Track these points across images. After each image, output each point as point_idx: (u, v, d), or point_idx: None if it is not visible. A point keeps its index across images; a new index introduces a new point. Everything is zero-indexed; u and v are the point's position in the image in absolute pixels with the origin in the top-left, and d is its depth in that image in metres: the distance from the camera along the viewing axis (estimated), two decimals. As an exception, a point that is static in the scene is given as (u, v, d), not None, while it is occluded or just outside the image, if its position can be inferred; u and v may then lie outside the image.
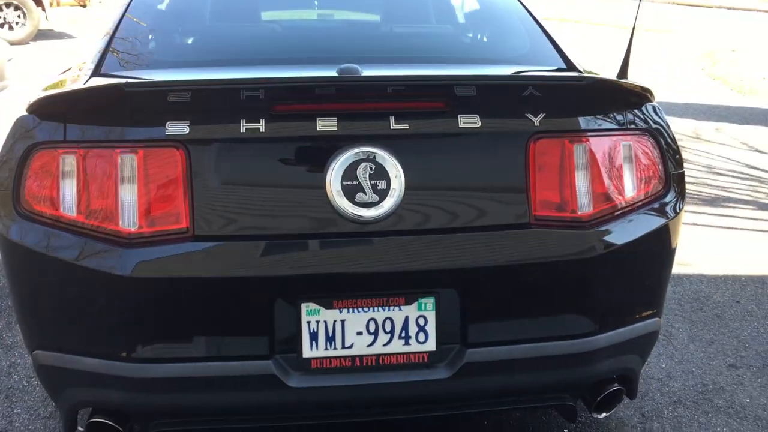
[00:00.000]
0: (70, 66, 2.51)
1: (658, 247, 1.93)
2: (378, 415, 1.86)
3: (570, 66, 2.31)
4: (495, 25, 2.60)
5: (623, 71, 2.29)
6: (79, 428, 1.95)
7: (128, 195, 1.69)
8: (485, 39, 2.54)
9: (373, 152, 1.70)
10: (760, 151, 6.43)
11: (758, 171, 5.78)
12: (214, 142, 1.71)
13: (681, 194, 1.97)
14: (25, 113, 1.77)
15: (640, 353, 1.98)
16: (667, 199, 1.94)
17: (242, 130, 1.70)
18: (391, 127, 1.73)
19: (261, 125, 1.70)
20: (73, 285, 1.72)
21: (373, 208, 1.70)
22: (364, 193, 1.70)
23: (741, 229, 4.42)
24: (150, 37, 2.34)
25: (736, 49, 15.46)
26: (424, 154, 1.75)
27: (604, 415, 2.00)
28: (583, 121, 1.83)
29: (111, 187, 1.69)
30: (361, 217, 1.70)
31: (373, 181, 1.70)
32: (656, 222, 1.90)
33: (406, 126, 1.73)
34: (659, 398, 2.58)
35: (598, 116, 1.86)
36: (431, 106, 1.76)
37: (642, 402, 2.54)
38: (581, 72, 2.20)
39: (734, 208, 4.76)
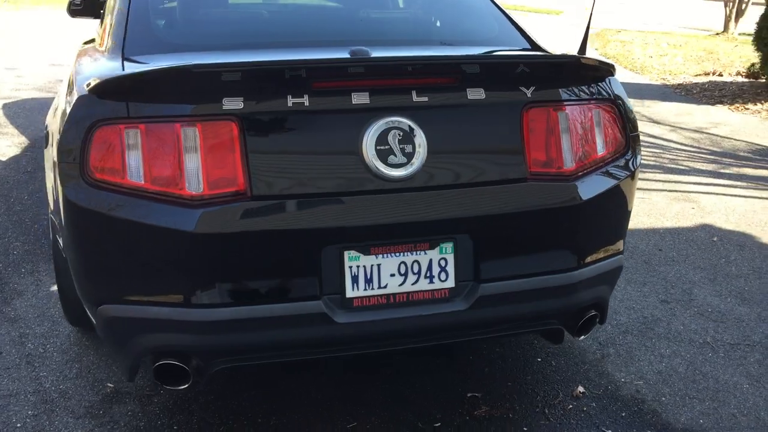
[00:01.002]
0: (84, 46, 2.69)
1: (623, 196, 2.34)
2: (408, 344, 2.18)
3: (535, 46, 2.70)
4: (462, 11, 2.95)
5: (582, 50, 2.68)
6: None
7: (191, 163, 1.94)
8: (458, 23, 2.89)
9: (400, 121, 2.01)
10: (658, 123, 7.11)
11: (659, 140, 6.43)
12: (265, 115, 1.97)
13: (637, 153, 2.39)
14: (87, 93, 1.98)
15: (610, 284, 2.39)
16: (627, 156, 2.35)
17: (289, 104, 1.97)
18: (414, 100, 2.04)
19: (305, 100, 1.98)
20: (142, 243, 1.96)
21: (402, 168, 2.02)
22: (395, 155, 2.01)
23: (653, 190, 4.98)
24: (165, 18, 2.56)
25: (621, 30, 16.49)
26: (440, 122, 2.07)
27: (582, 337, 2.39)
28: (563, 93, 2.20)
29: (175, 157, 1.94)
30: (393, 176, 2.01)
31: (401, 146, 2.01)
32: (621, 175, 2.30)
33: (425, 99, 2.05)
34: (610, 330, 3.03)
35: (575, 88, 2.23)
36: (445, 81, 2.09)
37: (596, 334, 2.98)
38: (546, 51, 2.59)
39: (645, 172, 5.33)
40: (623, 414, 2.50)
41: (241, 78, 1.94)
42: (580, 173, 2.20)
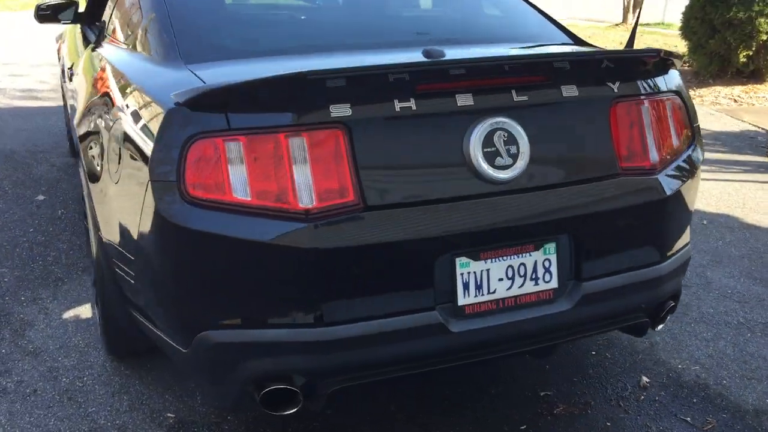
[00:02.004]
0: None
1: (694, 186, 2.37)
2: (517, 349, 2.14)
3: (578, 41, 2.71)
4: (503, 9, 2.93)
5: (630, 43, 2.70)
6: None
7: (300, 175, 1.83)
8: (503, 21, 2.86)
9: (503, 121, 1.97)
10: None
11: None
12: (372, 121, 1.88)
13: (701, 142, 2.43)
14: (179, 106, 1.83)
15: (683, 274, 2.42)
16: (695, 147, 2.38)
17: (397, 109, 1.89)
18: (514, 99, 2.00)
19: (412, 104, 1.90)
20: (250, 263, 1.83)
21: (508, 170, 1.97)
22: (501, 157, 1.96)
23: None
24: (214, 23, 2.42)
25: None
26: (538, 121, 2.03)
27: (660, 327, 2.42)
28: (643, 86, 2.20)
29: (282, 169, 1.82)
30: (500, 178, 1.96)
31: (506, 147, 1.97)
32: (692, 166, 2.34)
33: (525, 97, 2.01)
34: (649, 318, 3.08)
35: (651, 81, 2.24)
36: (541, 79, 2.05)
37: (637, 323, 3.02)
38: (593, 45, 2.59)
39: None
40: (694, 400, 2.55)
41: (348, 83, 1.84)
42: (662, 167, 2.22)
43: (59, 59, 4.88)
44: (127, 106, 2.12)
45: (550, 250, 2.06)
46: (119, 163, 2.08)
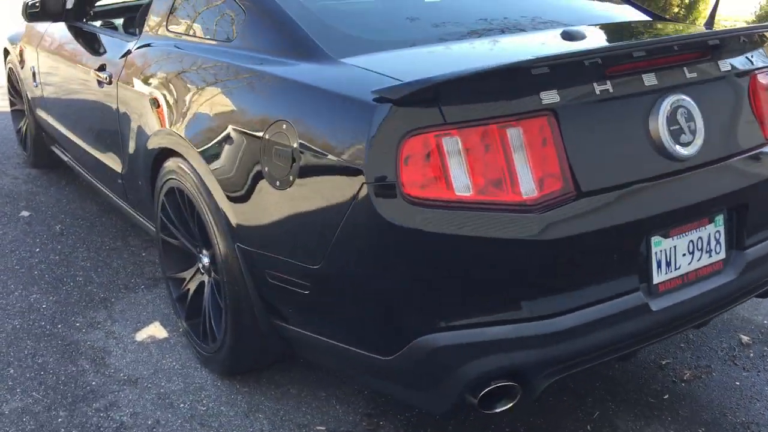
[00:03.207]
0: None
1: None
2: (697, 322, 2.18)
3: (655, 15, 2.79)
4: None
5: (711, 21, 2.80)
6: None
7: (519, 166, 1.78)
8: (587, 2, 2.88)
9: (683, 98, 2.00)
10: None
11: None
12: (577, 106, 1.86)
13: None
14: (388, 102, 1.74)
15: None
16: None
17: (597, 92, 1.88)
18: (687, 76, 2.04)
19: (608, 86, 1.90)
20: (475, 260, 1.77)
21: (690, 146, 2.00)
22: (685, 134, 1.99)
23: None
24: (338, 14, 2.30)
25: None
26: (705, 95, 2.08)
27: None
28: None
29: (501, 161, 1.77)
30: (684, 155, 1.99)
31: (687, 123, 2.00)
32: None
33: (695, 74, 2.05)
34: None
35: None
36: (704, 56, 2.10)
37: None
38: (671, 20, 2.67)
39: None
40: (798, 352, 2.71)
41: (554, 70, 1.81)
42: None
43: (20, 62, 4.45)
44: (292, 107, 1.98)
45: (720, 222, 2.12)
46: (291, 169, 1.94)
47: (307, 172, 1.91)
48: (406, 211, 1.74)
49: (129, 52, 2.87)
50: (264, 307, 2.22)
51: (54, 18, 3.62)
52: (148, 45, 2.79)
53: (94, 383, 2.54)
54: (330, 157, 1.84)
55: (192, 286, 2.64)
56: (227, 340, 2.37)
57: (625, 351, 2.02)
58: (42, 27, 3.99)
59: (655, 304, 1.98)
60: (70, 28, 3.63)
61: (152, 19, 2.87)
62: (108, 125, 3.06)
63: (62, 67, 3.59)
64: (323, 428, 2.30)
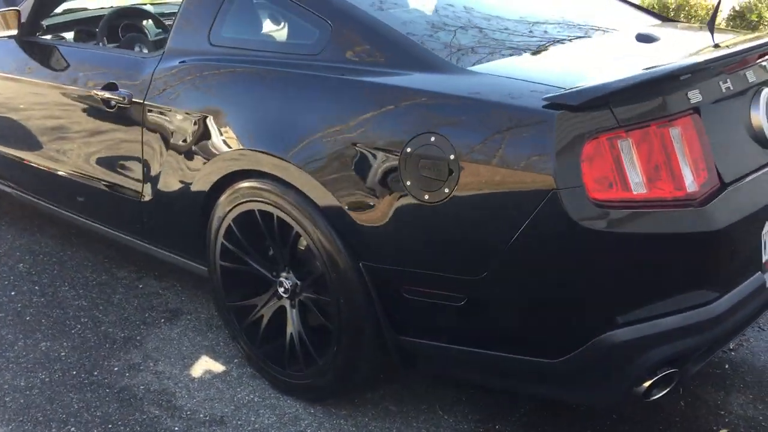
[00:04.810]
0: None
1: None
2: None
3: (662, 17, 3.01)
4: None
5: (713, 20, 3.01)
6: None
7: (683, 162, 1.88)
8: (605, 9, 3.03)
9: (772, 90, 2.20)
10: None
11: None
12: (711, 104, 2.00)
13: None
14: (565, 109, 1.79)
15: None
16: None
17: (723, 89, 2.03)
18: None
19: (729, 84, 2.05)
20: (654, 256, 1.85)
21: None
22: None
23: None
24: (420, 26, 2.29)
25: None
26: None
27: None
28: None
29: (665, 159, 1.86)
30: None
31: None
32: None
33: (777, 69, 2.26)
34: None
35: None
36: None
37: None
38: (678, 20, 2.91)
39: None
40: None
41: (698, 73, 1.93)
42: None
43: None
44: (439, 119, 1.95)
45: None
46: (446, 181, 1.91)
47: (469, 183, 1.89)
48: (592, 213, 1.79)
49: (156, 68, 2.65)
50: (391, 324, 2.16)
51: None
52: (185, 60, 2.59)
53: (177, 429, 2.34)
54: (502, 166, 1.84)
55: (267, 313, 2.50)
56: (338, 362, 2.28)
57: (745, 327, 2.19)
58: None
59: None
60: (27, 44, 3.27)
61: (183, 34, 2.65)
62: (121, 150, 2.81)
63: (23, 88, 3.22)
64: (451, 439, 2.29)
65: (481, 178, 1.88)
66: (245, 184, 2.35)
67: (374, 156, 2.04)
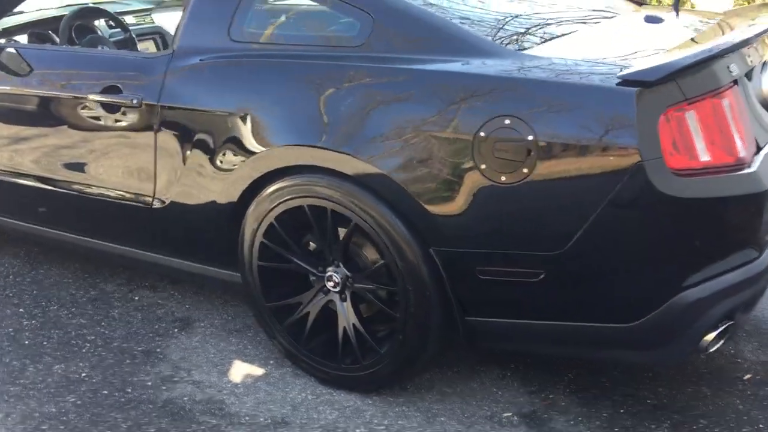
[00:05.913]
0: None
1: None
2: None
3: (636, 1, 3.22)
4: None
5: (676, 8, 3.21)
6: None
7: (734, 129, 2.05)
8: None
9: (777, 65, 2.42)
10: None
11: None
12: (743, 77, 2.18)
13: None
14: (642, 86, 1.91)
15: None
16: None
17: (749, 63, 2.22)
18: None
19: (751, 59, 2.26)
20: (723, 218, 2.04)
21: None
22: None
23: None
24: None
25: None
26: None
27: None
28: None
29: (726, 127, 2.03)
30: None
31: None
32: None
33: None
34: None
35: None
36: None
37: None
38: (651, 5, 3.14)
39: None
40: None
41: (735, 48, 2.10)
42: None
43: None
44: (511, 102, 2.02)
45: None
46: (525, 161, 1.99)
47: (548, 161, 1.97)
48: (673, 182, 1.93)
49: (168, 68, 2.55)
50: (462, 305, 2.21)
51: None
52: (203, 58, 2.51)
53: (243, 436, 2.30)
54: (581, 143, 1.93)
55: (313, 309, 2.48)
56: (404, 349, 2.30)
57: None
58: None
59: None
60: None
61: (196, 31, 2.56)
62: (128, 155, 2.68)
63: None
64: (510, 414, 2.37)
65: (560, 157, 1.97)
66: (291, 180, 2.32)
67: (443, 143, 2.08)
